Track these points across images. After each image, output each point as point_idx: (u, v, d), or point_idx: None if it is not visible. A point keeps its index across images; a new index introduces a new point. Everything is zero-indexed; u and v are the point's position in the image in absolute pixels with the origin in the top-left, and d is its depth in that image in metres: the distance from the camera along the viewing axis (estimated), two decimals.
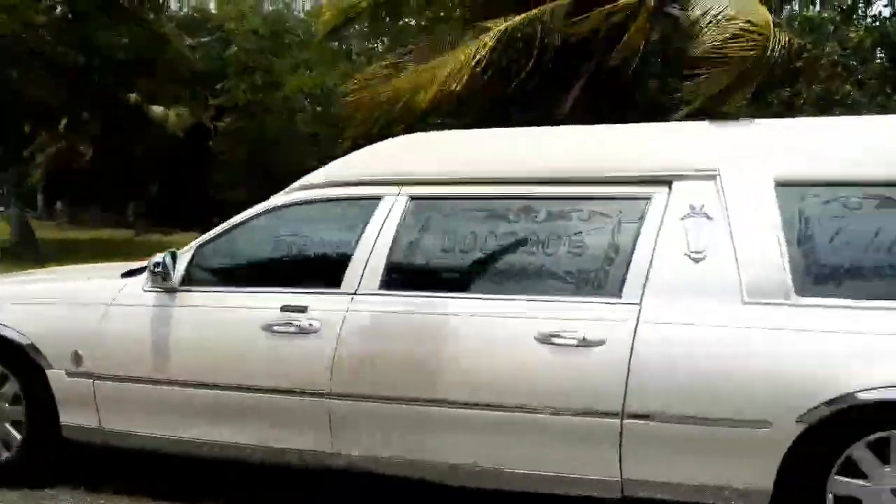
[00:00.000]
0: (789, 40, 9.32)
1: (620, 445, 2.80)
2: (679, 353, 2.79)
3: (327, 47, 23.48)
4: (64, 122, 18.34)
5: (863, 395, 2.56)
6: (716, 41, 8.64)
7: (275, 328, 3.21)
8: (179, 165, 23.09)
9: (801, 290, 2.76)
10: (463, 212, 3.33)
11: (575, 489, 2.93)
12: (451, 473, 3.05)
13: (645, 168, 3.15)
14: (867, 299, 2.72)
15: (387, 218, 3.29)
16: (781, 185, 2.92)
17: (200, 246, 3.56)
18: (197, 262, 3.51)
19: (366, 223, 3.31)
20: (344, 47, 21.05)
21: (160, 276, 3.38)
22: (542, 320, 2.93)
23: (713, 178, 3.00)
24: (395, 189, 3.35)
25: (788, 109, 11.68)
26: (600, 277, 2.98)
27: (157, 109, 20.64)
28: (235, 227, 3.58)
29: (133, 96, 19.81)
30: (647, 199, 3.03)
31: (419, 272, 3.30)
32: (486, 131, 3.95)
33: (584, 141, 3.57)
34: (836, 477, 2.63)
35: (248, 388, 3.26)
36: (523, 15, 9.13)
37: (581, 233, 3.09)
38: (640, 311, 2.86)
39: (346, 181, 3.53)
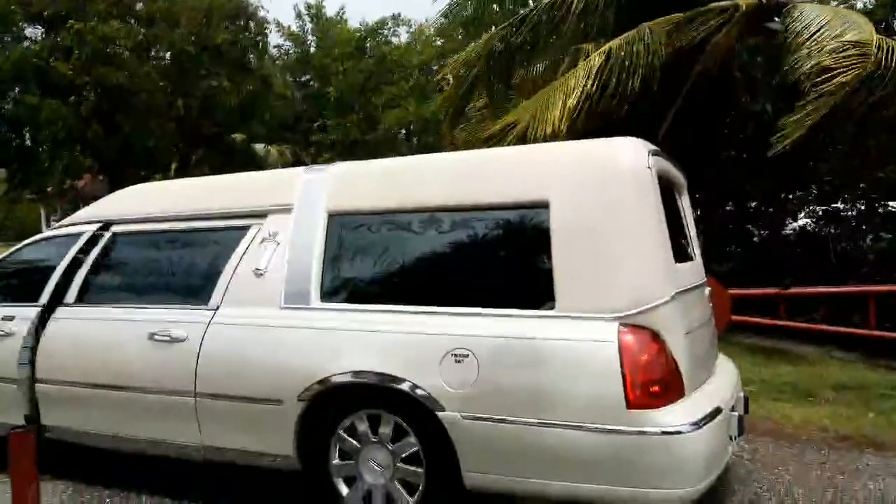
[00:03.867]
0: None
1: (198, 418, 3.65)
2: (230, 346, 3.62)
3: (423, 80, 24.33)
4: (175, 165, 19.72)
5: (336, 379, 3.29)
6: (818, 59, 7.80)
7: None
8: None
9: (322, 297, 3.54)
10: (140, 242, 4.32)
11: (175, 452, 3.82)
12: (99, 440, 4.03)
13: (251, 204, 3.94)
14: (361, 303, 3.48)
15: (94, 247, 4.32)
16: (331, 215, 3.66)
17: None
18: None
19: (76, 250, 4.34)
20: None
21: None
22: (152, 323, 3.83)
23: (289, 211, 3.76)
24: (105, 228, 4.38)
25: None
26: (201, 290, 3.85)
27: (260, 147, 21.83)
28: (5, 257, 4.74)
29: (237, 136, 21.04)
30: (247, 228, 3.87)
31: (100, 289, 4.26)
32: (171, 182, 5.15)
33: (218, 187, 4.44)
34: (341, 433, 3.38)
35: None
36: (624, 35, 8.85)
37: (203, 255, 4.03)
38: (214, 314, 3.72)
39: (82, 221, 4.53)
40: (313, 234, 3.64)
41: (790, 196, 12.97)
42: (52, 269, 4.36)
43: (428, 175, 3.64)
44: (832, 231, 12.81)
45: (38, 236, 4.70)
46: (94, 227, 4.41)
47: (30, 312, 4.22)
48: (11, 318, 4.28)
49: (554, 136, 8.58)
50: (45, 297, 4.25)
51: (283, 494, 3.83)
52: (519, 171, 3.40)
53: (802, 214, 13.18)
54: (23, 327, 4.17)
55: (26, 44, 17.86)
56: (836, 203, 12.71)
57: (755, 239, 13.22)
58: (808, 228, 13.17)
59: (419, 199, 3.50)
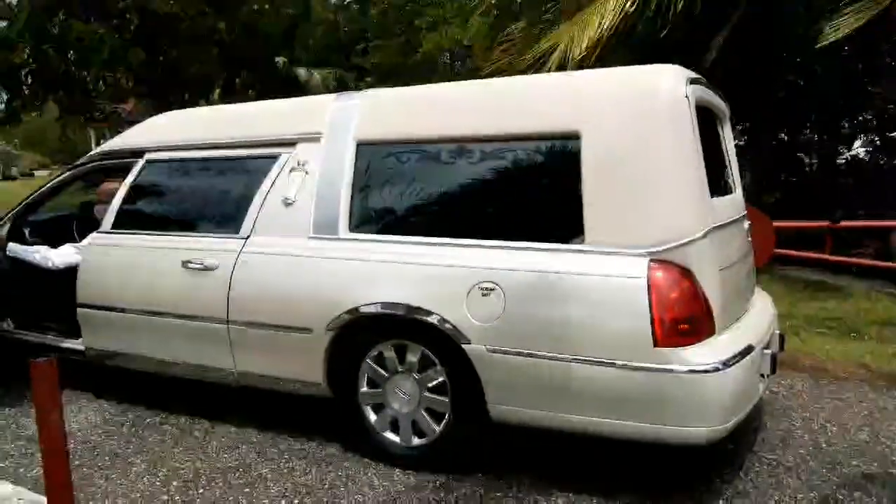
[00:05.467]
0: None
1: (231, 344, 3.73)
2: (260, 275, 3.65)
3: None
4: (218, 90, 19.71)
5: (364, 309, 3.30)
6: None
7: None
8: None
9: (351, 228, 3.51)
10: (173, 170, 4.32)
11: (211, 376, 3.93)
12: (140, 362, 4.16)
13: (281, 133, 3.88)
14: (390, 234, 3.43)
15: (129, 175, 4.37)
16: (360, 144, 3.60)
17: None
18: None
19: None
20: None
21: None
22: (185, 251, 3.89)
23: (318, 139, 3.70)
24: (139, 156, 4.41)
25: None
26: (231, 218, 3.87)
27: (302, 71, 21.63)
28: (49, 186, 4.82)
29: (280, 60, 20.86)
30: (277, 157, 3.83)
31: (132, 217, 4.29)
32: (204, 109, 5.24)
33: (248, 114, 4.36)
34: (369, 362, 3.43)
35: None
36: None
37: (235, 184, 3.99)
38: (244, 243, 3.73)
39: (115, 149, 4.62)
40: (342, 164, 3.60)
41: (845, 124, 12.41)
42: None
43: (458, 104, 3.54)
44: (889, 161, 12.28)
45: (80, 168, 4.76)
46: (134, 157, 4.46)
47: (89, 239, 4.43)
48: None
49: (585, 61, 8.22)
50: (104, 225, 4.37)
51: (314, 420, 3.91)
52: (549, 100, 3.27)
53: (858, 143, 12.64)
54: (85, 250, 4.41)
55: None
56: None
57: (806, 169, 12.77)
58: (863, 158, 12.64)
59: (449, 129, 3.41)
